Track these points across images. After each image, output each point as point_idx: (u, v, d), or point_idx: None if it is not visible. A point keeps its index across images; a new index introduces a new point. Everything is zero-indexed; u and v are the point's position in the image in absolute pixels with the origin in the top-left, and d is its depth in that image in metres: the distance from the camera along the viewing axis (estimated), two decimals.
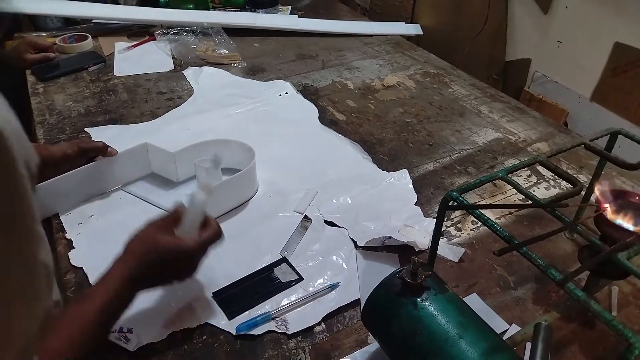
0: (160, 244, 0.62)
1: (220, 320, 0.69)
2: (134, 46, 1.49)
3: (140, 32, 1.58)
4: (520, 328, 0.68)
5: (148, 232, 0.63)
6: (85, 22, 1.65)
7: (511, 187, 0.95)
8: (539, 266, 0.49)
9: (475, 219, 0.88)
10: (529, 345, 0.64)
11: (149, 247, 0.62)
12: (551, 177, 1.01)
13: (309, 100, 1.26)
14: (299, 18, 1.75)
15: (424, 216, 0.89)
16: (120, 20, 1.59)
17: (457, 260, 0.81)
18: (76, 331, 0.55)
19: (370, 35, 1.69)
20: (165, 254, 0.62)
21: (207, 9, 1.76)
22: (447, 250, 0.82)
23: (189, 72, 1.36)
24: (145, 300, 0.70)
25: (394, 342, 0.57)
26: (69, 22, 1.75)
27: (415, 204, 0.92)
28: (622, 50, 1.35)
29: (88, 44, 1.47)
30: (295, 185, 0.94)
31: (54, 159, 0.82)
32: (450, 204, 0.60)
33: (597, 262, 0.50)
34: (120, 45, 1.49)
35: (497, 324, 0.70)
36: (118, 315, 0.61)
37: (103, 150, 0.88)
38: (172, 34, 1.54)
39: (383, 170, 1.01)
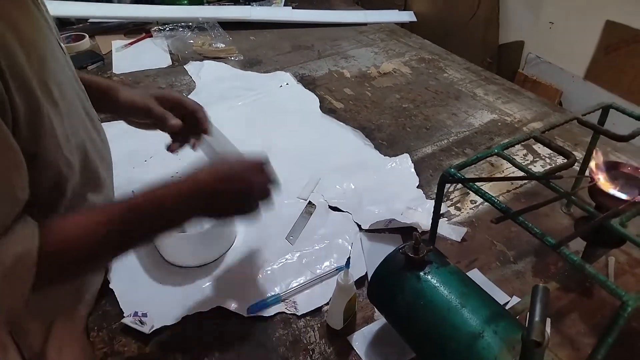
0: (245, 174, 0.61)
1: (231, 303, 0.71)
2: (131, 44, 1.51)
3: (137, 30, 1.59)
4: (520, 299, 0.71)
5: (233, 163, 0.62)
6: (80, 22, 1.66)
7: (508, 167, 0.99)
8: (535, 234, 0.51)
9: (474, 199, 0.91)
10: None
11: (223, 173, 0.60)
12: (547, 155, 1.03)
13: (307, 90, 1.28)
14: (293, 9, 1.76)
15: (426, 198, 0.91)
16: (116, 18, 1.60)
17: (459, 240, 0.83)
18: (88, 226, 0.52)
19: (365, 24, 1.70)
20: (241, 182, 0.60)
21: (202, 4, 1.77)
22: (450, 230, 0.85)
23: (190, 67, 1.38)
24: (158, 285, 0.73)
25: (400, 314, 0.59)
26: (63, 23, 1.75)
27: (417, 187, 0.94)
28: (613, 28, 1.37)
29: (85, 43, 1.49)
30: (298, 172, 0.96)
31: (118, 105, 0.75)
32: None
33: (592, 228, 0.52)
34: (117, 44, 1.51)
35: (499, 296, 0.72)
36: (159, 225, 0.56)
37: (164, 123, 0.75)
38: (168, 30, 1.55)
39: (383, 155, 1.03)
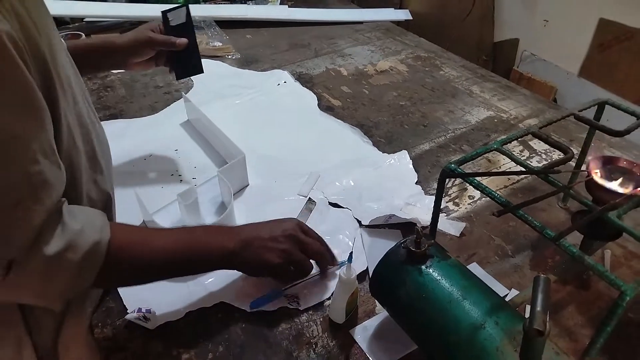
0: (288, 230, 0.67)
1: (234, 299, 0.72)
2: None
3: (133, 29, 1.59)
4: (519, 292, 0.72)
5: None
6: (75, 21, 1.66)
7: (504, 163, 1.00)
8: (535, 227, 0.52)
9: (472, 194, 0.93)
10: (528, 308, 0.68)
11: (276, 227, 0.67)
12: (543, 151, 1.04)
13: (305, 88, 1.28)
14: (290, 8, 1.77)
15: (424, 194, 0.92)
16: (112, 17, 1.60)
17: (458, 235, 0.84)
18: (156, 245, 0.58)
19: (361, 22, 1.71)
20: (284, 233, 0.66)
21: (197, 2, 1.77)
22: (449, 225, 0.86)
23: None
24: (161, 282, 0.73)
25: (402, 307, 0.60)
26: (58, 22, 1.75)
27: (416, 183, 0.95)
28: (607, 25, 1.39)
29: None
30: (298, 170, 0.97)
31: (120, 49, 0.80)
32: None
33: (589, 220, 0.53)
34: None
35: (498, 289, 0.73)
36: (205, 258, 0.62)
37: (172, 44, 0.84)
38: None
39: (382, 152, 1.04)
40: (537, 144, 1.06)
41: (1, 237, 0.44)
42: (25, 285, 0.48)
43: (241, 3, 1.79)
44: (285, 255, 0.66)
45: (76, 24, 1.66)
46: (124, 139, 1.05)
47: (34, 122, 0.46)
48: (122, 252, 0.53)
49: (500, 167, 1.00)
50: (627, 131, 0.69)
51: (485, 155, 1.02)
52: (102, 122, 0.72)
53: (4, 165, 0.43)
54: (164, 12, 0.81)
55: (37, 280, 0.48)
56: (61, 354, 0.59)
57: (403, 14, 1.86)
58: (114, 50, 0.79)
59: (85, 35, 1.50)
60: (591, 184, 0.63)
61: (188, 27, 0.85)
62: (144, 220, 0.83)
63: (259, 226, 0.68)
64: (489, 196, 0.58)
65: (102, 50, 0.79)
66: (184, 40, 0.83)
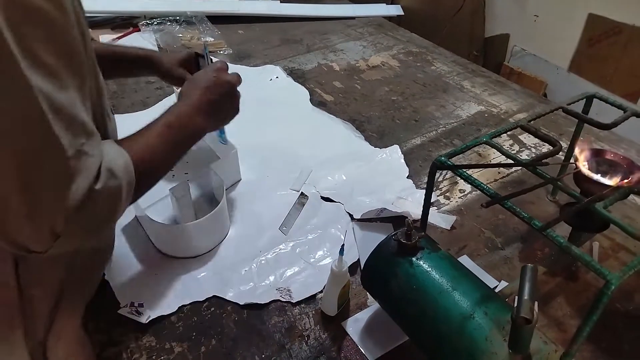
0: (219, 78, 0.73)
1: (227, 292, 0.72)
2: (119, 38, 1.50)
3: (124, 24, 1.58)
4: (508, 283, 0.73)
5: (205, 73, 0.74)
6: None
7: (494, 157, 1.01)
8: (523, 218, 0.53)
9: (463, 188, 0.94)
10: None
11: (209, 81, 0.72)
12: (532, 145, 1.05)
13: (297, 83, 1.28)
14: (282, 3, 1.77)
15: (416, 188, 0.93)
16: (103, 13, 1.59)
17: (449, 228, 0.85)
18: (149, 141, 0.62)
19: (353, 18, 1.71)
20: (222, 86, 0.73)
21: None
22: (439, 219, 0.86)
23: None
24: (154, 276, 0.74)
25: (393, 299, 0.61)
26: None
27: (407, 177, 0.96)
28: (596, 21, 1.40)
29: None
30: (290, 165, 0.97)
31: (162, 70, 0.89)
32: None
33: (577, 211, 0.54)
34: (105, 38, 1.50)
35: (487, 281, 0.74)
36: (183, 140, 0.67)
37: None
38: (156, 24, 1.55)
39: (374, 146, 1.05)
40: (527, 138, 1.07)
41: (66, 180, 0.47)
42: (89, 222, 0.52)
43: None
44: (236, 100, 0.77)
45: None
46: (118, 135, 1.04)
47: (84, 87, 0.50)
48: (142, 164, 0.57)
49: (490, 161, 1.01)
50: (614, 124, 0.70)
51: (475, 150, 1.03)
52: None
53: (64, 119, 0.46)
54: (197, 56, 0.90)
55: (100, 214, 0.52)
56: (51, 345, 0.59)
57: (395, 10, 1.87)
58: (154, 64, 0.89)
59: None
60: (579, 177, 0.64)
61: None
62: (136, 216, 0.83)
63: (207, 94, 0.72)
64: (477, 188, 0.59)
65: (148, 64, 0.89)
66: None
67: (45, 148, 0.45)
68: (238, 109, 0.78)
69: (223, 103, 0.74)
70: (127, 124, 1.08)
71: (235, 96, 0.77)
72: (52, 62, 0.44)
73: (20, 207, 0.45)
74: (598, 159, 0.66)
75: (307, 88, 1.26)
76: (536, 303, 0.69)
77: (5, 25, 0.40)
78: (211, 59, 0.87)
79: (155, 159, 0.62)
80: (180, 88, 0.77)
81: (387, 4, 1.94)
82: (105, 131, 0.63)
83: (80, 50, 0.49)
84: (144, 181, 0.59)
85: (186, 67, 0.91)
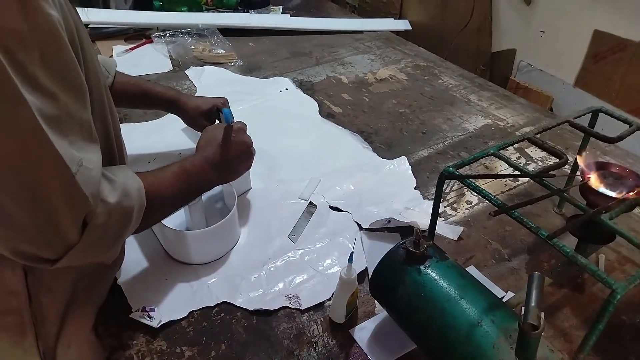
0: (237, 138, 0.77)
1: (236, 298, 0.73)
2: (132, 49, 1.53)
3: (137, 35, 1.62)
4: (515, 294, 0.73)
5: (224, 130, 0.77)
6: None
7: (501, 169, 1.02)
8: (530, 228, 0.54)
9: (470, 200, 0.95)
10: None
11: (227, 140, 0.75)
12: (539, 158, 1.07)
13: (306, 95, 1.31)
14: (291, 17, 1.80)
15: (423, 199, 0.94)
16: (117, 24, 1.63)
17: (456, 239, 0.86)
18: (164, 175, 0.67)
19: (361, 32, 1.74)
20: (238, 147, 0.77)
21: (201, 10, 1.80)
22: (447, 230, 0.87)
23: (191, 72, 1.40)
24: (165, 282, 0.75)
25: (401, 306, 0.62)
26: None
27: (415, 188, 0.97)
28: (601, 37, 1.42)
29: None
30: (299, 174, 0.99)
31: (184, 112, 0.99)
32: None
33: (583, 222, 0.55)
34: (118, 49, 1.53)
35: (495, 292, 0.74)
36: (196, 189, 0.72)
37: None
38: (168, 36, 1.58)
39: (381, 157, 1.06)
40: (534, 152, 1.08)
41: (76, 195, 0.49)
42: (100, 237, 0.54)
43: (244, 12, 1.82)
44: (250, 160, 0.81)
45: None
46: (128, 143, 1.06)
47: (82, 100, 0.51)
48: (152, 194, 0.61)
49: (497, 173, 1.02)
50: (620, 138, 0.71)
51: (482, 162, 1.04)
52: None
53: (63, 135, 0.48)
54: (218, 110, 0.98)
55: (111, 230, 0.54)
56: (61, 350, 0.60)
57: (403, 24, 1.90)
58: (179, 110, 0.99)
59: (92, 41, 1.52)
60: (585, 189, 0.65)
61: None
62: None
63: (220, 151, 0.75)
64: (485, 198, 0.60)
65: (173, 108, 0.99)
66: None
67: (47, 165, 0.46)
68: (250, 166, 0.82)
69: (237, 163, 0.78)
70: (138, 132, 1.11)
71: (251, 156, 0.81)
72: (48, 83, 0.46)
73: (33, 220, 0.48)
74: (604, 171, 0.67)
75: (316, 100, 1.28)
76: (542, 314, 0.70)
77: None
78: (232, 115, 0.92)
79: (167, 193, 0.66)
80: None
81: (395, 18, 1.97)
82: (111, 145, 0.65)
83: (76, 67, 0.50)
84: (153, 211, 0.62)
85: (208, 117, 0.99)
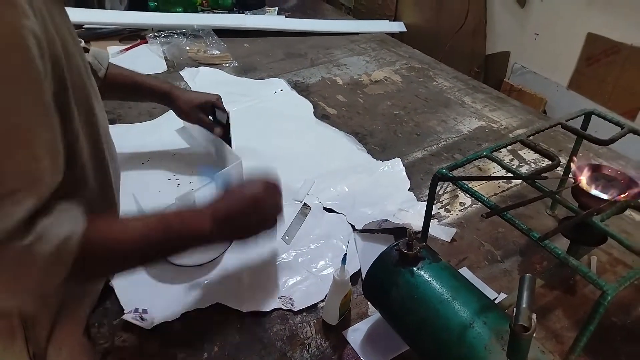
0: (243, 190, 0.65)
1: (229, 300, 0.73)
2: (127, 49, 1.53)
3: (132, 36, 1.61)
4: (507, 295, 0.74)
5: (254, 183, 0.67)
6: (74, 27, 1.68)
7: (494, 171, 1.03)
8: (522, 229, 0.54)
9: (463, 201, 0.95)
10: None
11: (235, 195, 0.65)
12: (532, 160, 1.07)
13: (301, 96, 1.31)
14: (287, 18, 1.80)
15: (417, 200, 0.95)
16: (112, 25, 1.62)
17: (449, 240, 0.86)
18: (138, 230, 0.56)
19: (356, 34, 1.75)
20: (258, 199, 0.64)
21: (196, 11, 1.80)
22: (440, 231, 0.88)
23: (186, 73, 1.40)
24: (158, 283, 0.75)
25: (394, 308, 0.62)
26: None
27: (408, 189, 0.98)
28: (595, 40, 1.43)
29: None
30: (294, 175, 0.99)
31: (177, 106, 0.98)
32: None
33: (575, 224, 0.56)
34: (113, 49, 1.52)
35: (487, 293, 0.74)
36: (177, 242, 0.59)
37: (212, 131, 0.98)
38: (163, 37, 1.58)
39: (376, 159, 1.06)
40: (527, 154, 1.09)
41: None
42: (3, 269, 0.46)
43: (239, 13, 1.82)
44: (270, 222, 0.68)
45: (75, 30, 1.67)
46: (123, 143, 1.06)
47: (40, 119, 0.47)
48: (96, 245, 0.52)
49: (490, 175, 1.02)
50: (612, 140, 0.71)
51: (476, 164, 1.04)
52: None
53: (4, 153, 0.44)
54: (215, 107, 0.99)
55: (7, 273, 0.46)
56: (53, 353, 0.60)
57: (397, 26, 1.90)
58: (172, 102, 0.97)
59: (85, 42, 1.52)
60: (577, 191, 0.65)
61: (227, 126, 0.99)
62: None
63: (230, 200, 0.64)
64: (478, 199, 0.61)
65: (166, 100, 0.98)
66: (219, 132, 0.98)
67: None
68: (267, 229, 0.68)
69: (251, 220, 0.65)
70: (133, 133, 1.11)
71: (272, 220, 0.68)
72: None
73: None
74: (596, 174, 0.68)
75: (310, 101, 1.28)
76: (534, 316, 0.71)
77: None
78: (228, 114, 0.93)
79: (123, 244, 0.55)
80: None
81: (390, 20, 1.97)
82: (102, 159, 0.63)
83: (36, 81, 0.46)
84: (97, 262, 0.53)
85: (201, 112, 0.97)
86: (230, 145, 0.98)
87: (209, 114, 0.99)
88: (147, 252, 0.58)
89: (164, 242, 0.58)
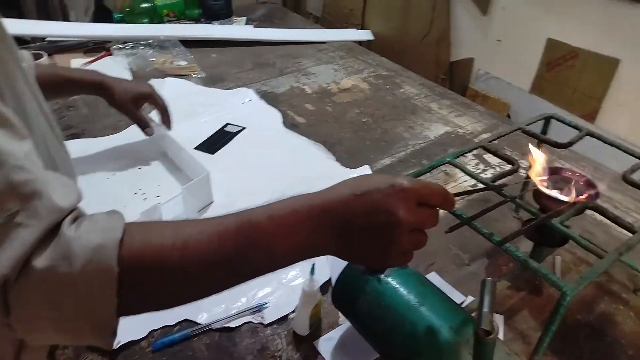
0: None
1: (198, 315, 0.72)
2: (91, 62, 1.50)
3: (97, 48, 1.58)
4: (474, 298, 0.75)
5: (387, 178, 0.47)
6: (36, 40, 1.64)
7: (461, 175, 1.05)
8: (484, 234, 0.55)
9: None
10: None
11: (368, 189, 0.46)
12: (497, 164, 1.09)
13: (270, 106, 1.31)
14: (255, 28, 1.80)
15: None
16: (75, 37, 1.59)
17: None
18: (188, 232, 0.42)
19: (324, 42, 1.76)
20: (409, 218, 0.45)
21: (162, 22, 1.78)
22: None
23: (151, 84, 1.38)
24: None
25: (363, 316, 0.62)
26: (19, 42, 1.72)
27: None
28: (554, 45, 1.47)
29: (44, 62, 1.46)
30: (263, 186, 0.98)
31: (116, 98, 0.97)
32: None
33: (535, 227, 0.57)
34: (77, 62, 1.49)
35: (455, 296, 0.76)
36: (262, 252, 0.43)
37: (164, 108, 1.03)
38: (128, 48, 1.55)
39: (345, 167, 1.07)
40: (491, 157, 1.11)
41: None
42: (33, 317, 0.38)
43: (207, 23, 1.81)
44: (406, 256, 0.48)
45: (37, 44, 1.64)
46: (87, 159, 1.04)
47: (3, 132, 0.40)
48: (144, 258, 0.39)
49: (457, 180, 1.04)
50: (570, 143, 0.74)
51: (443, 169, 1.06)
52: (64, 142, 0.72)
53: None
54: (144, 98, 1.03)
55: (43, 307, 0.38)
56: None
57: (365, 34, 1.93)
58: (105, 91, 0.95)
59: (48, 55, 1.49)
60: (538, 194, 0.67)
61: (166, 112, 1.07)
62: None
63: (355, 208, 0.46)
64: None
65: (99, 91, 0.96)
66: (150, 132, 1.02)
67: None
68: (397, 265, 0.49)
69: (383, 245, 0.46)
70: (97, 148, 1.09)
71: (409, 255, 0.50)
72: None
73: None
74: (556, 176, 0.70)
75: (279, 111, 1.28)
76: (502, 318, 0.72)
77: None
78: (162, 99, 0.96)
79: (175, 257, 0.40)
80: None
81: (357, 29, 2.00)
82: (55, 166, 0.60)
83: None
84: (141, 282, 0.40)
85: (135, 103, 0.98)
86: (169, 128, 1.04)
87: (141, 106, 1.02)
88: (221, 263, 0.43)
89: (242, 253, 0.43)
